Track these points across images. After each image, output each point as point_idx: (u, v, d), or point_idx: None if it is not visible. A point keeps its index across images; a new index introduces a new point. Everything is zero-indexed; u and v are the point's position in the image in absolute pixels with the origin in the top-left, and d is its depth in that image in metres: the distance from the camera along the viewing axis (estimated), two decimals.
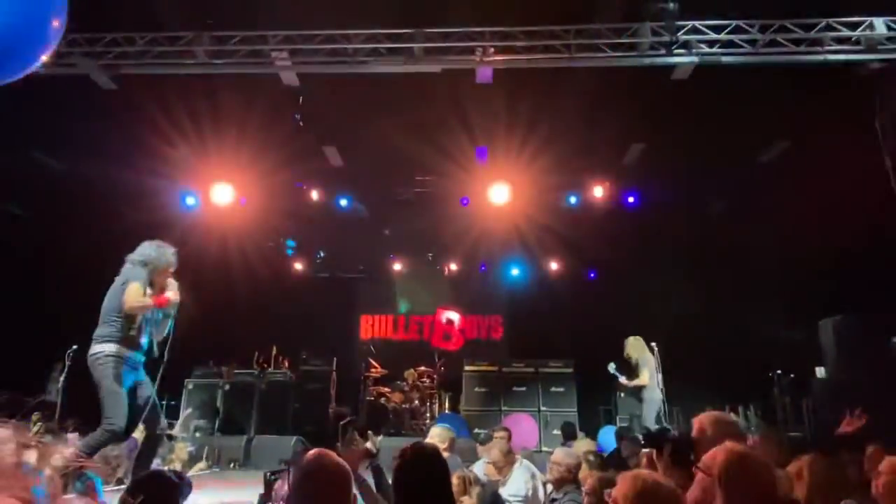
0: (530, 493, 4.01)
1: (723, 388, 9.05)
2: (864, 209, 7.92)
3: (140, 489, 2.09)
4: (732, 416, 6.92)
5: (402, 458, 2.09)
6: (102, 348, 3.94)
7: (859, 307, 7.22)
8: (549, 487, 4.01)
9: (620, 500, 1.66)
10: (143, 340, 4.15)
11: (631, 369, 8.04)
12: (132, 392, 4.04)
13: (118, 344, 3.95)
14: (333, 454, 1.86)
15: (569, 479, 3.71)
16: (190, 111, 8.13)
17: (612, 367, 8.23)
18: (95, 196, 10.14)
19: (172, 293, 4.23)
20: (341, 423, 2.98)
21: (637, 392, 8.03)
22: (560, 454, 3.98)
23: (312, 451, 1.85)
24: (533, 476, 4.26)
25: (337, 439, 3.17)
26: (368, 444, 3.47)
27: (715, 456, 1.76)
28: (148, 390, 4.15)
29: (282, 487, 1.94)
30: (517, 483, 3.99)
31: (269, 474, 1.92)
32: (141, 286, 4.04)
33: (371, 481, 3.07)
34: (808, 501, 2.24)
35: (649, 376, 7.69)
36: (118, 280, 4.14)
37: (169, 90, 7.48)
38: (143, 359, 4.16)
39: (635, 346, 8.12)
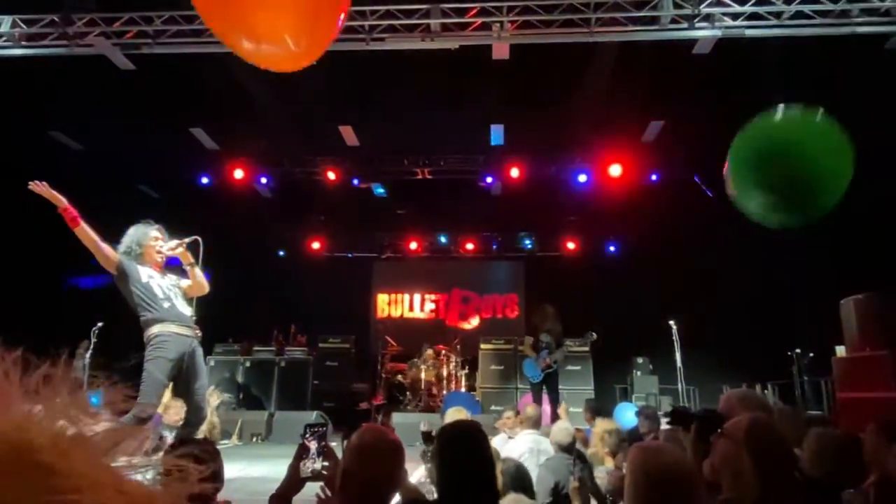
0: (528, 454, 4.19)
1: (741, 367, 9.02)
2: (888, 186, 7.77)
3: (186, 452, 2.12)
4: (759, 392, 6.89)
5: (444, 437, 2.07)
6: (147, 333, 3.96)
7: (882, 286, 7.10)
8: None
9: (633, 468, 1.68)
10: (180, 307, 4.10)
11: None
12: (186, 380, 4.02)
13: (158, 324, 3.95)
14: (385, 429, 1.90)
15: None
16: (208, 90, 8.13)
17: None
18: (113, 175, 10.24)
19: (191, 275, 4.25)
20: (377, 405, 3.04)
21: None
22: (554, 432, 4.13)
23: (365, 426, 1.89)
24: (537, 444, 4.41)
25: (357, 416, 3.24)
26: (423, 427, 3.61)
27: (738, 423, 1.80)
28: (203, 379, 4.17)
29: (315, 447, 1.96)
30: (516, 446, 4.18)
31: (307, 429, 1.94)
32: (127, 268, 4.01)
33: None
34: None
35: None
36: None
37: (187, 69, 7.47)
38: (189, 329, 4.08)
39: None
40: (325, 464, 1.91)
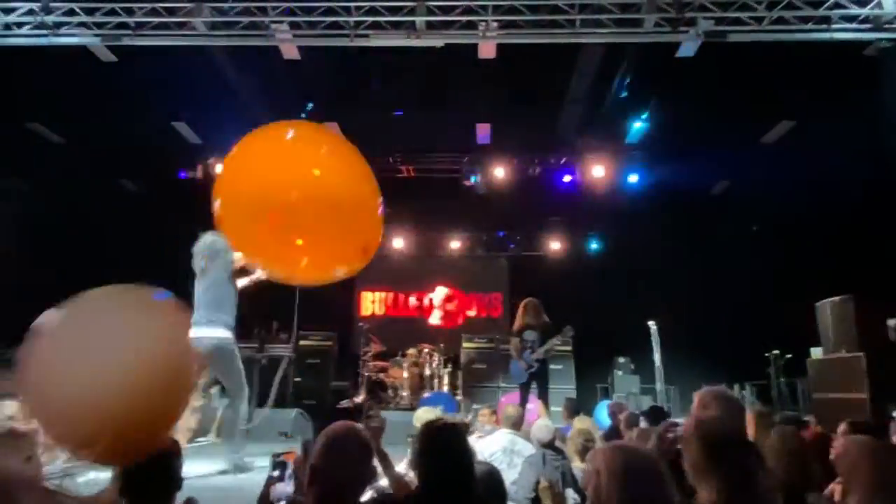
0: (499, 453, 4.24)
1: (719, 368, 9.11)
2: (864, 191, 7.91)
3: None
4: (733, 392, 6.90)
5: (425, 436, 2.07)
6: (229, 335, 4.56)
7: (857, 289, 7.23)
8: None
9: (601, 468, 1.68)
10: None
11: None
12: None
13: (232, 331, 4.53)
14: (356, 426, 1.89)
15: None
16: (189, 83, 8.04)
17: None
18: (94, 168, 10.10)
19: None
20: (365, 398, 3.05)
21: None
22: (534, 429, 4.22)
23: (337, 423, 1.88)
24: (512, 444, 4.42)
25: (332, 414, 3.25)
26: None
27: (689, 423, 1.82)
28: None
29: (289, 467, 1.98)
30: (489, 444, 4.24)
31: (275, 457, 1.95)
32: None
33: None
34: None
35: None
36: (215, 270, 4.65)
37: (169, 61, 7.38)
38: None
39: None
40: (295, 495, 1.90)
